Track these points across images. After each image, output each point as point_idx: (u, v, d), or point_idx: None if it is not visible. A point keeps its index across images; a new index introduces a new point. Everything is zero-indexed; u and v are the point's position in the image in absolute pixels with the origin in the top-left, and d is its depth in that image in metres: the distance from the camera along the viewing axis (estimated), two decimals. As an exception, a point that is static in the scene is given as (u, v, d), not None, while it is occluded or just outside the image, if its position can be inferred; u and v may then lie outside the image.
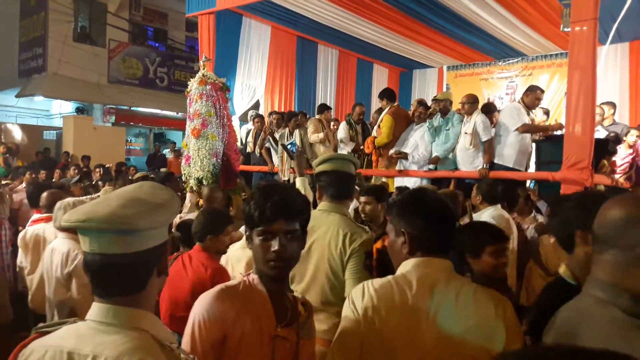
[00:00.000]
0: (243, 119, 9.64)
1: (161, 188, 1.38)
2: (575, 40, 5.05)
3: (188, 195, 5.57)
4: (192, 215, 4.09)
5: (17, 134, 14.77)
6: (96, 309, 1.24)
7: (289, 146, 5.05)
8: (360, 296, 1.64)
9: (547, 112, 8.02)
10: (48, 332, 1.26)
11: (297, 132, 7.62)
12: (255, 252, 1.62)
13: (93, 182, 7.80)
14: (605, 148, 5.67)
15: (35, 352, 1.21)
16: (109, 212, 1.19)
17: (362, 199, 3.76)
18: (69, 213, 1.24)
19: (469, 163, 6.09)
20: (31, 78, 15.23)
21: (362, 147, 7.17)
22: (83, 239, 1.23)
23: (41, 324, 1.30)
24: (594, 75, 4.94)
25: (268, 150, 8.02)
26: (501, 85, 10.63)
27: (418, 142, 6.58)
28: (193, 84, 5.05)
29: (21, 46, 15.72)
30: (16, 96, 15.38)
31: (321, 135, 7.32)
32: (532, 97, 6.01)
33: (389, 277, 1.68)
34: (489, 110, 6.69)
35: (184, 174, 5.89)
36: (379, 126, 6.93)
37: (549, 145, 5.89)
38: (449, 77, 11.63)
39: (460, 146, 6.21)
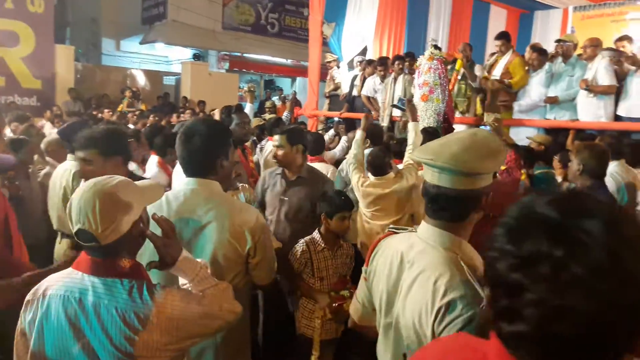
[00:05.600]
0: (351, 66, 9.57)
1: (494, 139, 1.56)
2: None
3: None
4: None
5: (141, 79, 15.74)
6: (424, 227, 1.55)
7: (398, 103, 5.83)
8: None
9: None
10: (396, 233, 1.68)
11: (401, 78, 7.37)
12: None
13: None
14: None
15: (386, 247, 1.64)
16: (451, 155, 1.43)
17: None
18: (420, 149, 1.56)
19: (592, 112, 5.60)
20: (153, 25, 16.01)
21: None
22: (426, 171, 1.52)
23: (393, 226, 1.74)
24: None
25: (367, 98, 7.93)
26: (635, 28, 9.52)
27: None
28: (422, 60, 6.02)
29: (144, -6, 16.47)
30: (140, 43, 16.33)
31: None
32: None
33: None
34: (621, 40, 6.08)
35: None
36: (507, 70, 6.49)
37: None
38: (575, 19, 10.63)
39: (583, 92, 5.68)
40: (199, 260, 1.71)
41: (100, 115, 9.82)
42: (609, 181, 3.52)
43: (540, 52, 6.29)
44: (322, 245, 2.99)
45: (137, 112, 9.79)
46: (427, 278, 1.42)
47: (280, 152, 3.28)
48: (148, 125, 7.57)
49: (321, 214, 3.00)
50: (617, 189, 3.66)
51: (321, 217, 3.00)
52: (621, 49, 5.82)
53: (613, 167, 3.77)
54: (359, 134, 4.06)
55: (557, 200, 0.80)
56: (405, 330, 1.51)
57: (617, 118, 5.56)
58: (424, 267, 1.45)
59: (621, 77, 5.52)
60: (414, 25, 9.86)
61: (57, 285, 1.52)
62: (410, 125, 3.87)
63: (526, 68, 6.29)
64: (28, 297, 1.56)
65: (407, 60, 7.51)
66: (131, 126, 8.10)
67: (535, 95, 6.07)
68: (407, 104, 4.58)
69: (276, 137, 3.34)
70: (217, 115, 5.70)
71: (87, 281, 1.49)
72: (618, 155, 3.90)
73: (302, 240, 3.05)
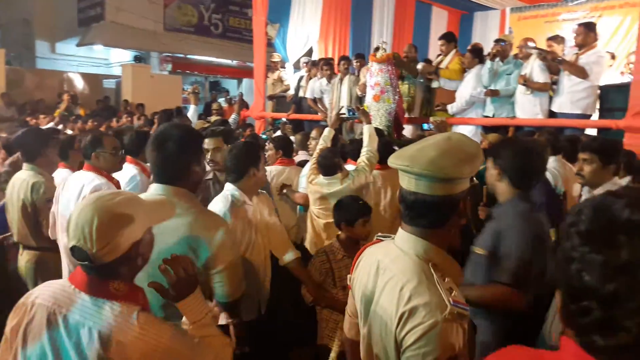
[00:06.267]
0: (296, 67, 9.59)
1: (470, 143, 1.52)
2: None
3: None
4: None
5: (79, 83, 15.17)
6: (400, 234, 1.52)
7: (349, 114, 5.90)
8: None
9: (613, 56, 7.58)
10: (382, 240, 1.64)
11: (347, 78, 7.45)
12: None
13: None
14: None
15: (368, 255, 1.61)
16: (428, 161, 1.39)
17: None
18: (395, 156, 1.48)
19: (529, 109, 5.83)
20: (90, 27, 15.44)
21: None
22: (402, 177, 1.47)
23: (381, 234, 1.68)
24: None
25: (313, 100, 7.96)
26: (566, 28, 9.97)
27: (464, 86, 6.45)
28: (373, 63, 6.10)
29: (80, -6, 15.88)
30: (77, 45, 15.73)
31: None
32: None
33: None
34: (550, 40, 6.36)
35: None
36: (447, 67, 6.74)
37: (614, 91, 5.58)
38: (512, 19, 11.07)
39: (520, 90, 5.91)
40: (210, 304, 1.60)
41: (35, 121, 9.39)
42: (548, 176, 3.67)
43: (473, 53, 6.54)
44: (342, 253, 2.94)
45: (72, 118, 9.42)
46: (395, 284, 1.41)
47: (218, 155, 3.18)
48: (87, 130, 7.34)
49: (340, 223, 2.97)
50: (554, 183, 3.82)
51: (340, 225, 2.97)
52: (548, 48, 6.07)
53: (551, 162, 3.92)
54: (327, 130, 4.13)
55: (635, 201, 0.76)
56: (374, 339, 1.49)
57: (551, 114, 5.81)
58: (394, 274, 1.44)
59: (554, 74, 5.78)
60: (358, 26, 9.99)
61: (47, 295, 1.42)
62: (365, 128, 3.92)
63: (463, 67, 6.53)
64: (21, 300, 1.46)
65: (358, 61, 7.63)
66: (69, 131, 7.80)
67: (473, 90, 6.30)
68: (357, 111, 4.66)
69: (209, 140, 3.23)
70: None
71: (77, 297, 1.39)
72: (555, 151, 4.07)
73: (320, 250, 3.02)
